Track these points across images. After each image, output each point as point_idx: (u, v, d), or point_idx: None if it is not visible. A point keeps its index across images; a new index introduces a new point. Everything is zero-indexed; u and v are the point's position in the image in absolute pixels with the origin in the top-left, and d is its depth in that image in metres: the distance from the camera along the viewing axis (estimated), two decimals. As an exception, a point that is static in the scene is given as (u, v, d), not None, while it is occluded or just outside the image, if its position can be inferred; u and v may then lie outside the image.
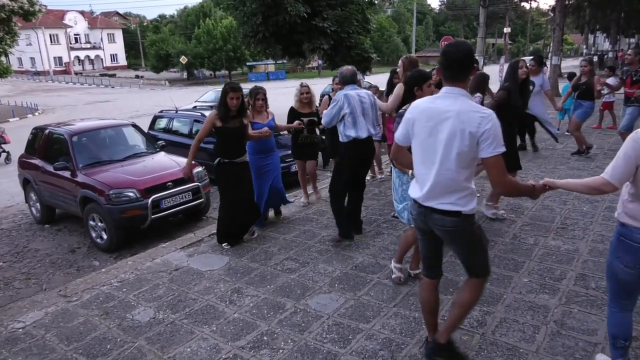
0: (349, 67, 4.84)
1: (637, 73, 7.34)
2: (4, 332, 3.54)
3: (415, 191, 2.63)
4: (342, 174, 4.73)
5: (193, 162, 5.24)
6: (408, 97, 3.57)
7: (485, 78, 5.32)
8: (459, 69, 2.42)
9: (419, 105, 2.57)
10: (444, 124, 2.39)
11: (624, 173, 2.27)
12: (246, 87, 6.10)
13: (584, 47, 37.97)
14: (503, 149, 2.32)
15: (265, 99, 5.32)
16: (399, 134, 2.71)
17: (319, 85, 10.23)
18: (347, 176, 4.71)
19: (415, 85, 3.56)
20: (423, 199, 2.56)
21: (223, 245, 4.93)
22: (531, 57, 7.72)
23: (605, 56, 35.73)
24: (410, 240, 3.79)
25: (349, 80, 4.65)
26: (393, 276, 3.94)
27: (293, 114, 6.00)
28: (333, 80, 6.25)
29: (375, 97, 4.92)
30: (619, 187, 2.33)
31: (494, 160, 2.33)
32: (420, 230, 2.71)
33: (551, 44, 20.31)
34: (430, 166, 2.49)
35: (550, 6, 44.24)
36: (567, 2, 20.53)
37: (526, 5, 56.55)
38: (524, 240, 4.63)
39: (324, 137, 9.19)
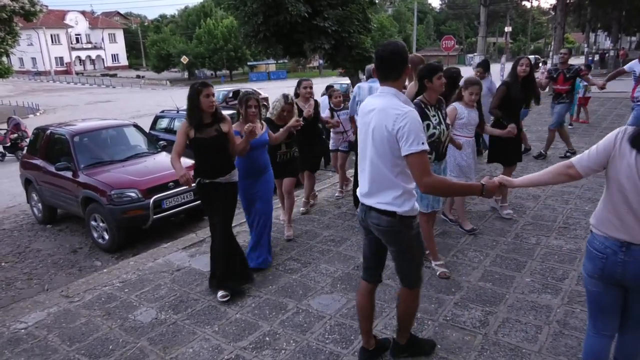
0: (371, 65, 5.53)
1: (570, 70, 7.62)
2: (6, 332, 3.54)
3: (359, 189, 2.67)
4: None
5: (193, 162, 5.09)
6: (420, 90, 3.75)
7: (453, 74, 4.56)
8: (389, 68, 2.45)
9: (363, 104, 2.64)
10: (371, 121, 2.45)
11: (590, 161, 2.16)
12: (246, 87, 6.03)
13: (585, 45, 37.86)
14: (422, 147, 2.29)
15: (258, 106, 4.17)
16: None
17: (320, 85, 10.20)
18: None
19: (426, 77, 3.66)
20: (362, 196, 2.61)
21: (219, 296, 3.81)
22: (477, 64, 7.86)
23: (607, 55, 35.64)
24: (424, 229, 3.83)
25: (372, 75, 5.34)
26: (437, 273, 4.01)
27: (270, 127, 4.80)
28: (327, 89, 6.53)
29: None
30: (582, 173, 2.21)
31: (412, 159, 2.31)
32: (363, 229, 2.72)
33: (552, 43, 20.27)
34: (364, 162, 2.56)
35: (551, 5, 44.20)
36: (568, 1, 20.49)
37: (527, 4, 56.53)
38: (526, 240, 4.62)
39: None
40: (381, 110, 2.40)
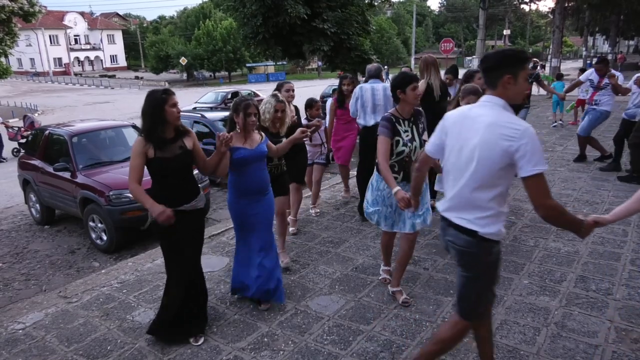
0: (375, 64, 5.52)
1: (531, 76, 7.86)
2: (4, 333, 3.53)
3: (440, 204, 2.48)
4: (363, 157, 5.38)
5: None
6: (395, 100, 3.45)
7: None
8: (493, 75, 2.22)
9: (454, 112, 2.41)
10: (473, 135, 2.22)
11: None
12: (245, 88, 5.92)
13: (584, 49, 38.03)
14: (545, 168, 2.09)
15: (258, 114, 3.53)
16: (430, 144, 2.53)
17: (318, 87, 10.23)
18: (364, 159, 5.32)
19: (398, 88, 3.33)
20: (443, 208, 2.43)
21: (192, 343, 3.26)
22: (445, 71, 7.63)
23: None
24: (384, 244, 3.88)
25: (372, 75, 5.32)
26: (379, 277, 4.02)
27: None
28: (341, 80, 5.91)
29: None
30: None
31: (535, 180, 2.08)
32: (445, 248, 2.54)
33: (551, 46, 20.33)
34: (457, 179, 2.32)
35: (549, 8, 44.34)
36: (566, 4, 20.56)
37: (526, 7, 56.62)
38: (524, 242, 4.63)
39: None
40: (492, 125, 2.15)
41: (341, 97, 5.83)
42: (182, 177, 3.14)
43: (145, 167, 3.04)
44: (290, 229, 5.17)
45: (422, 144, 3.40)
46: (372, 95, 5.19)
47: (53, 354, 3.22)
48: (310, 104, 5.49)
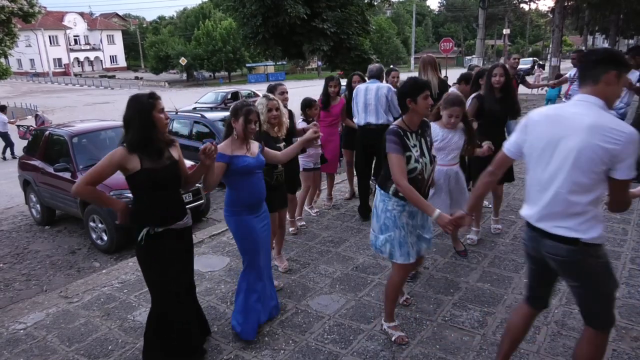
0: (376, 64, 5.58)
1: (519, 76, 7.96)
2: (5, 333, 3.54)
3: (527, 209, 2.33)
4: (358, 155, 5.70)
5: (192, 163, 4.68)
6: (403, 110, 2.97)
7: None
8: (596, 70, 2.12)
9: (540, 111, 2.27)
10: (572, 136, 2.08)
11: None
12: (245, 88, 5.80)
13: (583, 48, 38.06)
14: (636, 172, 2.07)
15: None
16: (511, 144, 2.37)
17: (318, 87, 10.22)
18: (360, 159, 5.59)
19: (409, 96, 2.85)
20: (536, 218, 2.25)
21: None
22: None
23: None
24: (398, 286, 3.10)
25: (373, 75, 5.39)
26: (393, 338, 3.17)
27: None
28: (327, 82, 5.81)
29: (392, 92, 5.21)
30: None
31: (625, 184, 2.07)
32: (531, 257, 2.43)
33: (550, 46, 20.33)
34: (548, 184, 2.18)
35: (549, 7, 44.36)
36: (566, 4, 20.56)
37: (525, 6, 56.61)
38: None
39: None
40: (595, 126, 2.03)
41: (326, 98, 5.73)
42: (173, 190, 2.84)
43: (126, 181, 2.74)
44: (290, 229, 5.17)
45: (433, 160, 3.01)
46: (364, 95, 5.25)
47: (54, 354, 3.23)
48: (309, 103, 5.14)
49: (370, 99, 5.21)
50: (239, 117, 3.09)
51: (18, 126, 15.04)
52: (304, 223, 5.43)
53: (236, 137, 3.13)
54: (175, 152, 2.84)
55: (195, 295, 3.17)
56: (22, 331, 3.55)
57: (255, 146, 3.23)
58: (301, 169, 5.20)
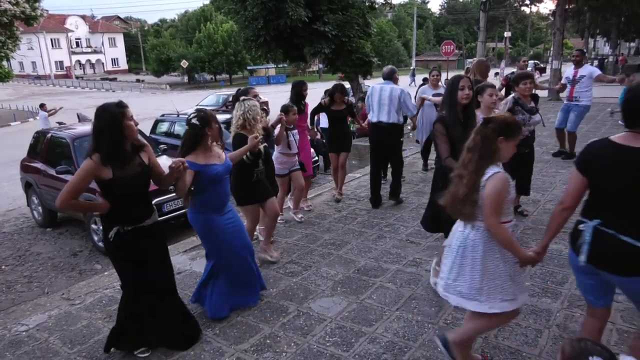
0: (389, 67, 6.02)
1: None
2: (7, 335, 3.55)
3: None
4: (371, 150, 6.05)
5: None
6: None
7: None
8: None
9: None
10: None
11: None
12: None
13: (584, 51, 38.06)
14: None
15: (221, 127, 3.48)
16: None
17: (319, 90, 10.25)
18: (372, 152, 5.99)
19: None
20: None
21: (137, 354, 3.16)
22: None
23: (606, 60, 35.81)
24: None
25: (386, 77, 5.83)
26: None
27: (242, 142, 3.99)
28: (301, 86, 5.90)
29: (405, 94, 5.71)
30: None
31: None
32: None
33: (551, 48, 20.35)
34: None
35: (550, 10, 44.45)
36: (567, 7, 20.58)
37: (526, 9, 56.76)
38: (525, 244, 4.63)
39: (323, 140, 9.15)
40: None
41: (299, 103, 5.69)
42: (143, 194, 3.00)
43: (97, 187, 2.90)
44: (299, 215, 5.68)
45: None
46: (379, 94, 5.71)
47: (56, 356, 3.24)
48: (285, 109, 5.12)
49: (384, 98, 5.65)
50: (211, 123, 3.28)
51: (58, 123, 15.10)
52: (301, 216, 5.73)
53: (210, 142, 3.31)
54: (146, 157, 2.97)
55: (174, 293, 3.30)
56: (24, 333, 3.56)
57: (220, 152, 3.43)
58: (279, 174, 5.23)
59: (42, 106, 14.39)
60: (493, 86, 4.21)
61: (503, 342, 3.11)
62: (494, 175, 2.36)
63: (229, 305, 3.61)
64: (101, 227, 5.89)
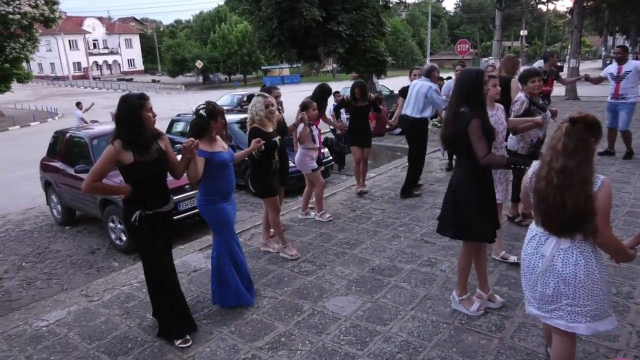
0: (429, 64, 6.52)
1: (553, 72, 7.63)
2: (28, 330, 3.63)
3: None
4: (409, 144, 6.49)
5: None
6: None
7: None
8: None
9: None
10: None
11: None
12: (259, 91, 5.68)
13: (603, 49, 37.39)
14: None
15: (226, 122, 3.70)
16: None
17: (333, 89, 10.21)
18: (411, 147, 6.39)
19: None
20: None
21: (178, 344, 3.27)
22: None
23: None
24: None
25: (424, 74, 6.20)
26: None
27: (253, 135, 4.28)
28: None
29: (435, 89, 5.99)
30: None
31: None
32: None
33: (569, 47, 20.03)
34: None
35: (567, 8, 43.70)
36: (585, 4, 20.24)
37: (543, 7, 55.91)
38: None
39: (340, 142, 9.14)
40: None
41: (322, 101, 5.74)
42: (161, 179, 3.25)
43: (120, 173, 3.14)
44: (326, 215, 5.72)
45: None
46: (411, 90, 6.11)
47: (75, 351, 3.30)
48: (305, 105, 5.22)
49: (412, 94, 6.06)
50: (217, 117, 3.55)
51: (92, 121, 15.38)
52: (329, 215, 5.75)
53: (214, 135, 3.55)
54: (164, 144, 3.20)
55: (178, 284, 3.48)
56: (44, 328, 3.63)
57: (223, 143, 3.69)
58: (309, 171, 5.46)
59: (78, 104, 14.56)
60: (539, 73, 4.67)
61: (519, 343, 3.08)
62: (604, 183, 2.19)
63: (238, 297, 3.74)
64: (118, 226, 6.01)
